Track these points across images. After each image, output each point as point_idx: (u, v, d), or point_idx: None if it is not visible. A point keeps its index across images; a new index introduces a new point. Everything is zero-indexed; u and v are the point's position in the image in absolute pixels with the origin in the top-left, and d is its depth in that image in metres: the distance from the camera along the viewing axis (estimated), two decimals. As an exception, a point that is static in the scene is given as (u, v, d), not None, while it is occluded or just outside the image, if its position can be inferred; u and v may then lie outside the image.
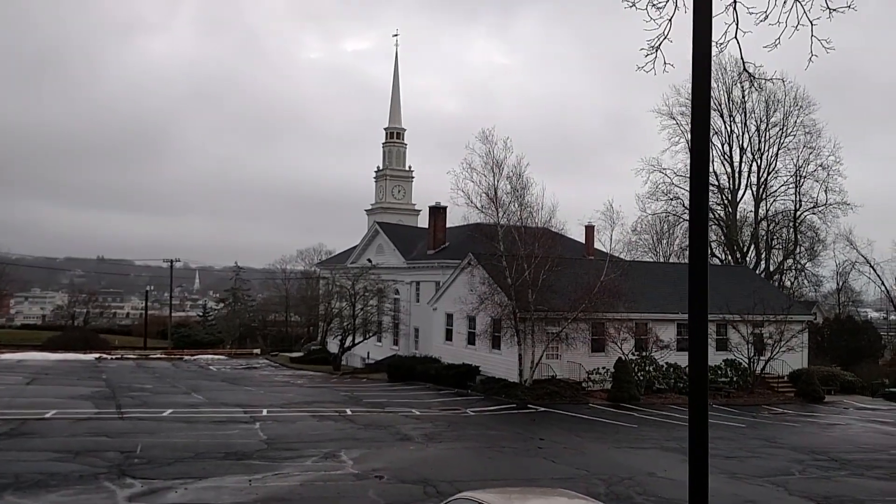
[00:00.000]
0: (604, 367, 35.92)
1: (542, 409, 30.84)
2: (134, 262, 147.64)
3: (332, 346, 54.71)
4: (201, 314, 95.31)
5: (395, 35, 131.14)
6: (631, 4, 7.61)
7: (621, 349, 35.75)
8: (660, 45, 8.20)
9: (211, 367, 50.93)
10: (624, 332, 35.69)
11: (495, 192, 34.88)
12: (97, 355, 56.90)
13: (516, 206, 35.01)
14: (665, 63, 8.29)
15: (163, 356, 60.29)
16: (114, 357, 57.20)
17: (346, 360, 53.45)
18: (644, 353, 37.01)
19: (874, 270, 67.70)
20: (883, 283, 68.37)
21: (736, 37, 7.78)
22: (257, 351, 68.67)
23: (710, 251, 65.61)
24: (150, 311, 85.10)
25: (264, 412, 27.08)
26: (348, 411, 28.36)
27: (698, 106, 4.29)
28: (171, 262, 76.73)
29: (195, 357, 59.54)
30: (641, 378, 35.90)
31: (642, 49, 8.28)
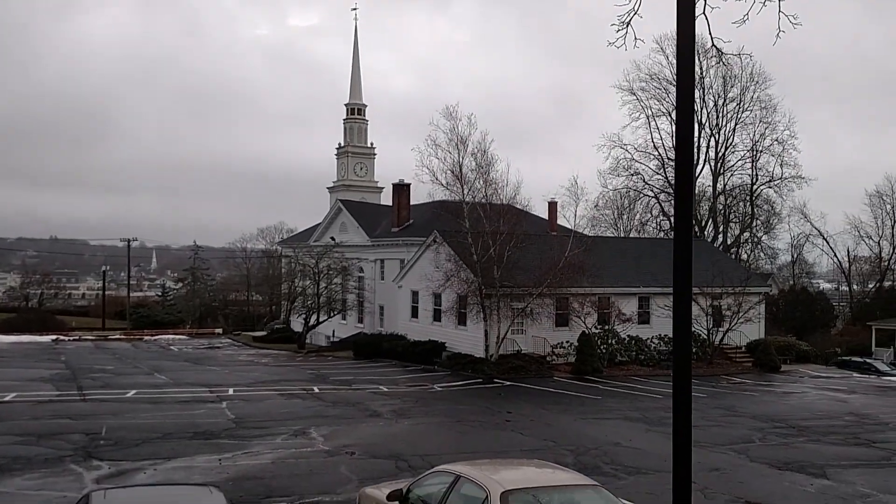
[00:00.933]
0: (568, 341, 36.43)
1: (509, 383, 31.21)
2: (89, 242, 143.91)
3: (296, 325, 54.43)
4: (160, 294, 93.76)
5: (354, 9, 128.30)
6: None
7: (585, 323, 36.28)
8: (630, 20, 8.24)
9: (172, 348, 50.22)
10: (587, 307, 36.22)
11: (460, 169, 34.86)
12: (54, 337, 55.62)
13: (481, 182, 35.06)
14: (636, 38, 8.36)
15: (122, 337, 59.21)
16: (71, 338, 55.97)
17: (311, 339, 53.21)
18: (607, 327, 37.63)
19: (827, 243, 69.88)
20: (835, 255, 70.65)
21: (704, 12, 7.87)
22: (219, 330, 67.88)
23: (670, 224, 66.81)
24: (107, 291, 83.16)
25: (230, 391, 26.86)
26: (316, 389, 28.32)
27: (683, 76, 4.32)
28: (129, 241, 75.09)
29: (155, 337, 58.59)
30: (604, 351, 36.53)
31: (613, 24, 8.32)
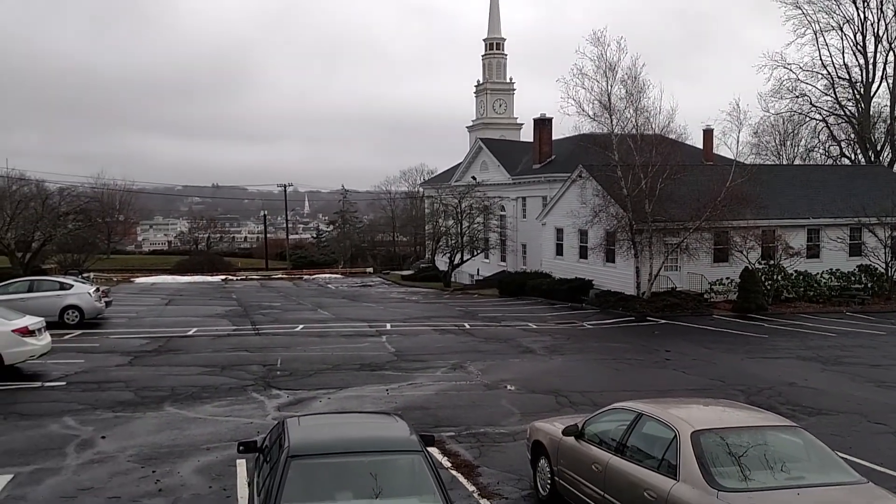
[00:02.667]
0: (728, 278, 34.54)
1: (663, 321, 30.15)
2: (247, 188, 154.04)
3: (441, 264, 55.60)
4: (315, 236, 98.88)
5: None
6: None
7: (747, 258, 34.10)
8: None
9: (329, 286, 53.00)
10: (750, 240, 33.94)
11: (609, 98, 33.30)
12: (223, 277, 60.40)
13: (632, 111, 33.33)
14: None
15: (284, 276, 63.28)
16: (238, 278, 60.55)
17: (455, 277, 54.23)
18: (771, 262, 35.20)
19: None
20: None
21: None
22: (370, 270, 70.81)
23: (839, 150, 60.92)
24: (266, 234, 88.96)
25: (388, 326, 27.90)
26: (466, 325, 28.79)
27: None
28: (285, 186, 79.34)
29: (313, 276, 62.13)
30: (769, 287, 34.32)
31: None
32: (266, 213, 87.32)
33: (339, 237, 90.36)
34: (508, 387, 17.26)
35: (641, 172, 32.64)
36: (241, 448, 8.18)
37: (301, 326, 27.53)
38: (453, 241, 51.95)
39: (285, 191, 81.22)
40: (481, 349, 22.88)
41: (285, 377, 18.00)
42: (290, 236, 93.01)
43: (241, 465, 10.86)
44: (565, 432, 9.00)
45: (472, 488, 10.30)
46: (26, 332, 17.49)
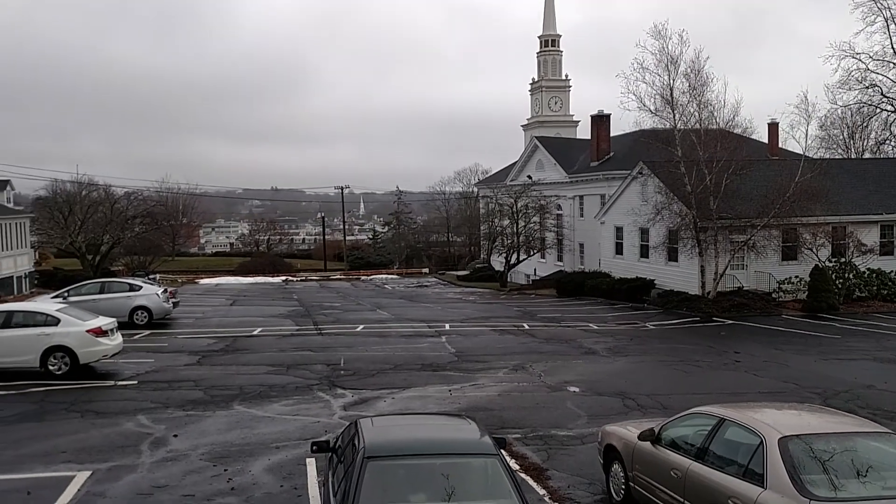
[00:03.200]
0: (797, 277, 33.32)
1: (730, 321, 29.29)
2: (304, 191, 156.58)
3: (497, 264, 55.35)
4: (371, 237, 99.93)
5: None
6: None
7: (817, 256, 32.87)
8: None
9: (386, 286, 53.41)
10: (820, 237, 32.69)
11: (671, 93, 32.51)
12: (284, 278, 61.54)
13: (695, 106, 32.46)
14: None
15: (342, 277, 64.14)
16: (299, 279, 61.63)
17: (511, 277, 53.93)
18: (843, 260, 33.82)
19: None
20: None
21: None
22: (426, 270, 71.12)
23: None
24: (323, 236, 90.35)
25: (447, 326, 27.89)
26: (525, 325, 28.54)
27: None
28: (342, 188, 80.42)
29: (371, 277, 62.76)
30: (840, 286, 32.99)
31: None
32: (323, 214, 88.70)
33: (394, 238, 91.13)
34: (572, 388, 16.99)
35: (706, 168, 31.78)
36: (314, 448, 8.21)
37: (361, 327, 27.75)
38: (509, 241, 51.67)
39: (342, 193, 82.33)
40: (542, 350, 22.63)
41: (349, 376, 18.14)
42: (347, 237, 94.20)
43: (311, 465, 10.93)
44: (641, 437, 8.75)
45: (542, 492, 10.12)
46: (100, 332, 18.08)
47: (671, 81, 32.54)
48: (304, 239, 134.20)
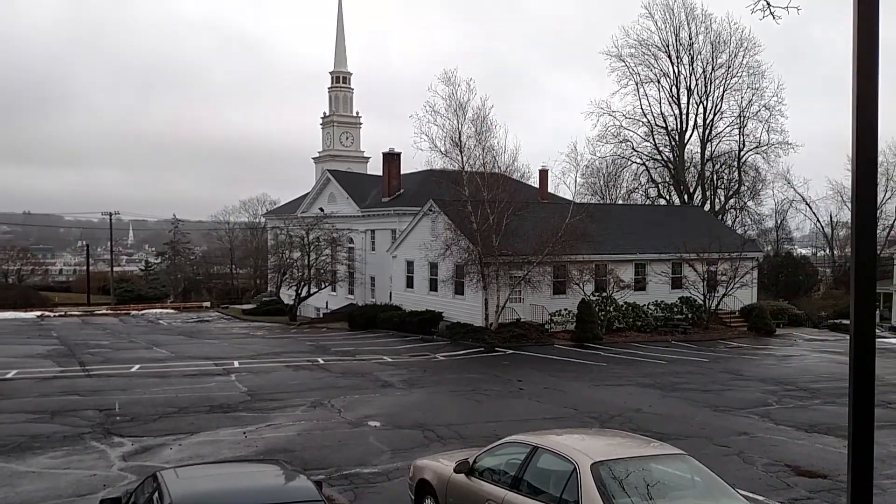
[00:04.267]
0: (566, 309, 36.43)
1: (511, 351, 31.16)
2: (63, 217, 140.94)
3: (286, 297, 53.88)
4: (142, 268, 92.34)
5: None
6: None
7: (583, 290, 36.30)
8: None
9: (162, 322, 49.49)
10: (586, 274, 36.17)
11: (460, 136, 34.34)
12: (39, 313, 54.54)
13: (480, 150, 34.55)
14: None
15: (109, 312, 58.26)
16: (57, 314, 54.93)
17: (301, 311, 52.76)
18: (604, 294, 37.68)
19: (810, 208, 70.56)
20: (818, 220, 71.41)
21: None
22: (207, 304, 67.11)
23: (657, 192, 66.89)
24: (86, 266, 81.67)
25: (236, 364, 26.46)
26: (320, 360, 28.01)
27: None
28: (110, 214, 73.61)
29: (142, 312, 57.73)
30: (603, 318, 36.62)
31: None
32: (86, 243, 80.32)
33: (169, 269, 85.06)
34: (373, 423, 16.91)
35: (489, 208, 33.82)
36: None
37: (137, 366, 25.36)
38: (300, 274, 50.61)
39: (111, 219, 75.31)
40: (339, 385, 22.31)
41: (126, 422, 16.42)
42: (115, 268, 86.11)
43: (92, 526, 9.67)
44: (457, 469, 8.88)
45: (353, 533, 9.86)
46: None
47: (460, 126, 34.43)
48: (61, 270, 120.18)
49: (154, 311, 59.31)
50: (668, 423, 16.93)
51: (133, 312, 57.86)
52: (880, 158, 66.62)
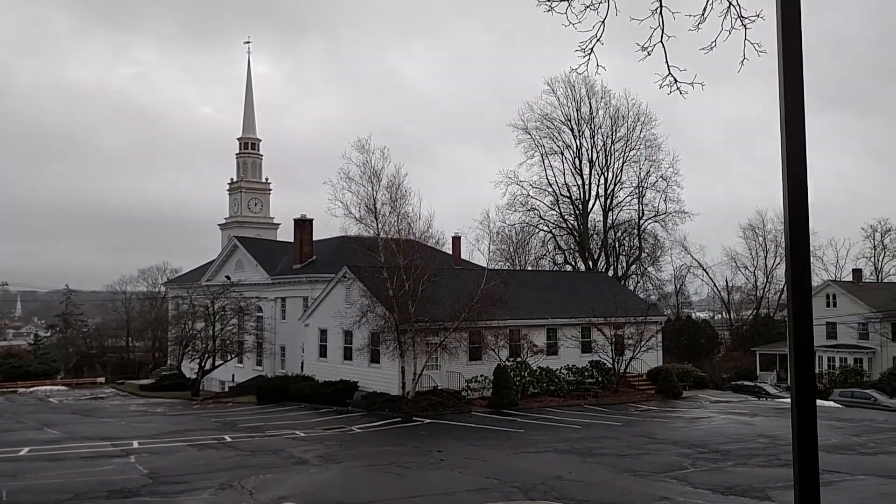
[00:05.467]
0: (482, 375, 36.40)
1: (428, 420, 30.63)
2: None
3: (188, 371, 51.26)
4: (31, 342, 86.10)
5: (248, 42, 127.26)
6: (549, 9, 7.60)
7: (499, 356, 36.45)
8: (593, 48, 8.30)
9: (52, 399, 45.97)
10: (501, 339, 36.42)
11: (374, 203, 34.39)
12: None
13: (395, 217, 34.69)
14: (598, 66, 8.41)
15: (-9, 390, 53.65)
16: (-72, 394, 50.05)
17: (204, 385, 50.29)
18: (519, 359, 37.97)
19: (707, 273, 74.55)
20: (714, 285, 75.40)
21: (662, 41, 8.06)
22: (101, 380, 63.03)
23: (564, 258, 68.92)
24: (-35, 340, 75.39)
25: (135, 444, 24.66)
26: (227, 438, 26.56)
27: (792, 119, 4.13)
28: (-4, 285, 68.61)
29: (31, 389, 53.54)
30: (518, 383, 36.77)
31: (577, 51, 8.33)
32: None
33: (60, 343, 79.84)
34: (288, 504, 15.98)
35: (405, 274, 33.76)
36: None
37: (26, 449, 23.21)
38: (203, 345, 48.42)
39: (-3, 290, 70.23)
40: (250, 464, 21.10)
41: (14, 515, 14.86)
42: (0, 342, 79.95)
43: None
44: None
45: None
46: None
47: (374, 193, 34.55)
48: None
49: (44, 387, 55.15)
50: (591, 490, 16.89)
51: (20, 390, 53.57)
52: (769, 226, 71.61)
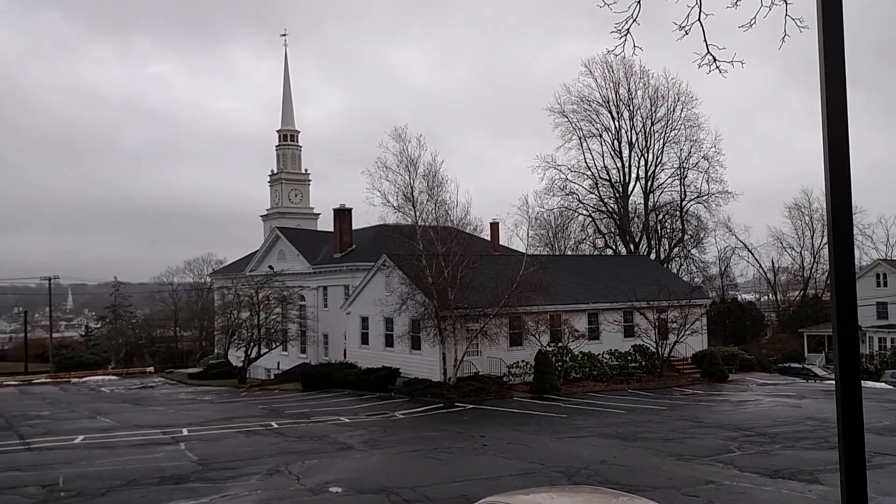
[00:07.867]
0: (523, 361, 36.34)
1: (471, 406, 30.75)
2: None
3: (235, 359, 52.35)
4: (83, 334, 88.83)
5: (284, 35, 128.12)
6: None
7: (540, 341, 36.33)
8: (629, 28, 8.14)
9: (104, 389, 47.41)
10: (542, 325, 36.27)
11: (412, 191, 34.50)
12: (-31, 384, 51.65)
13: (433, 204, 34.76)
14: (634, 46, 8.25)
15: (48, 381, 55.59)
16: (-11, 385, 52.08)
17: (250, 373, 51.28)
18: (560, 344, 37.78)
19: (752, 255, 73.02)
20: (760, 266, 73.83)
21: (700, 19, 7.85)
22: (150, 369, 64.75)
23: (604, 242, 68.17)
24: (22, 333, 78.12)
25: (184, 431, 25.34)
26: (274, 424, 27.08)
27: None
28: (49, 279, 71.06)
29: (83, 379, 55.28)
30: (560, 368, 36.63)
31: (612, 32, 8.19)
32: (24, 309, 77.10)
33: (110, 334, 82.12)
34: (334, 489, 16.25)
35: (444, 262, 33.82)
36: None
37: (81, 437, 24.05)
38: (249, 334, 49.34)
39: (49, 284, 72.66)
40: (296, 449, 21.51)
41: (72, 498, 15.41)
42: (54, 334, 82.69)
43: None
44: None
45: None
46: None
47: (411, 181, 34.63)
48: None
49: (95, 377, 56.90)
50: (635, 475, 16.78)
51: (73, 380, 55.40)
52: (815, 205, 69.70)
